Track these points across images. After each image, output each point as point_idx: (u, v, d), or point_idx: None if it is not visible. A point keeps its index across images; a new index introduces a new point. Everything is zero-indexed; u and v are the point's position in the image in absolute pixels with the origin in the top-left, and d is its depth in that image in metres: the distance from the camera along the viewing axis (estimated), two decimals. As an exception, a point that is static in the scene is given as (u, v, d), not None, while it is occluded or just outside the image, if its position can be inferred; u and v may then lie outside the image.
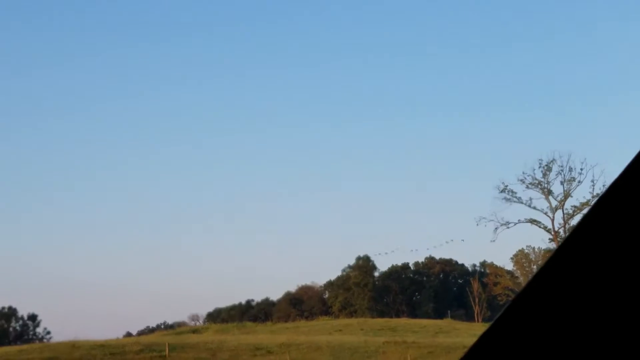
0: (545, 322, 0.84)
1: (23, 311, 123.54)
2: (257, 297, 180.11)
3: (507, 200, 59.69)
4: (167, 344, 28.90)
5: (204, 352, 29.04)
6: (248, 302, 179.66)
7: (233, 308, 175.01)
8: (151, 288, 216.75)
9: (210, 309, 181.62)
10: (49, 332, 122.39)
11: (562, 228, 61.77)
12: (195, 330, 56.11)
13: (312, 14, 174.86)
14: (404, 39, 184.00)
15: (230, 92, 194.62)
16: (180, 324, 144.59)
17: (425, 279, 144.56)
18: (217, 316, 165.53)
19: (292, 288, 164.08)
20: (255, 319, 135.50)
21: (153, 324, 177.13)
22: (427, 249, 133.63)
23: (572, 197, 58.86)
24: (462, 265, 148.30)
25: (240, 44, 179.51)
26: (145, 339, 41.55)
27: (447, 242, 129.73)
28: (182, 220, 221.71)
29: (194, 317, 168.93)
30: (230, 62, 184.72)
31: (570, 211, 60.13)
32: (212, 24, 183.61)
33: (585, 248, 0.81)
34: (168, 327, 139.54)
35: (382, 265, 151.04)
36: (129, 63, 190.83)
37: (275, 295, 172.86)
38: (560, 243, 0.88)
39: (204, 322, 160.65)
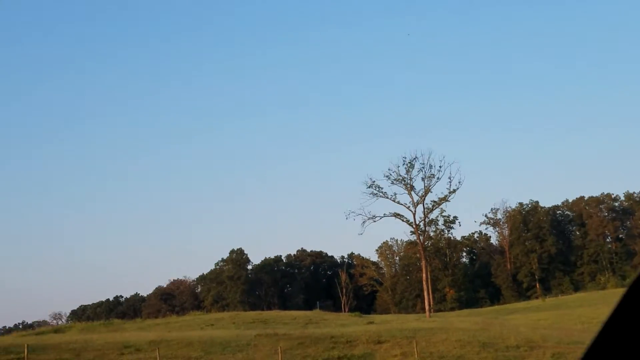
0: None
1: None
2: (126, 293, 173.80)
3: (374, 195, 62.61)
4: (25, 345, 27.45)
5: (66, 352, 27.91)
6: (116, 298, 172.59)
7: (100, 305, 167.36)
8: (7, 285, 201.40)
9: (75, 306, 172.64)
10: None
11: (422, 221, 65.99)
12: (57, 330, 53.17)
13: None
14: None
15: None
16: (40, 323, 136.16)
17: (296, 271, 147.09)
18: (82, 314, 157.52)
19: (164, 283, 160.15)
20: (123, 315, 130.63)
21: (10, 324, 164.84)
22: None
23: (432, 192, 62.88)
24: (332, 257, 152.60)
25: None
26: (0, 340, 38.91)
27: None
28: (45, 213, 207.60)
29: (56, 316, 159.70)
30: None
31: (430, 206, 64.29)
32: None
33: None
34: (27, 327, 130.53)
35: (255, 258, 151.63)
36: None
37: (146, 291, 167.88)
38: None
39: (68, 320, 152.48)
